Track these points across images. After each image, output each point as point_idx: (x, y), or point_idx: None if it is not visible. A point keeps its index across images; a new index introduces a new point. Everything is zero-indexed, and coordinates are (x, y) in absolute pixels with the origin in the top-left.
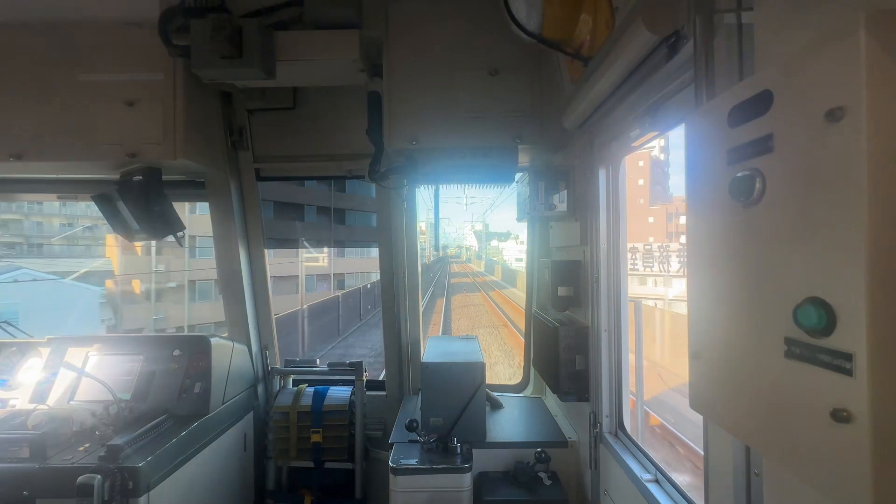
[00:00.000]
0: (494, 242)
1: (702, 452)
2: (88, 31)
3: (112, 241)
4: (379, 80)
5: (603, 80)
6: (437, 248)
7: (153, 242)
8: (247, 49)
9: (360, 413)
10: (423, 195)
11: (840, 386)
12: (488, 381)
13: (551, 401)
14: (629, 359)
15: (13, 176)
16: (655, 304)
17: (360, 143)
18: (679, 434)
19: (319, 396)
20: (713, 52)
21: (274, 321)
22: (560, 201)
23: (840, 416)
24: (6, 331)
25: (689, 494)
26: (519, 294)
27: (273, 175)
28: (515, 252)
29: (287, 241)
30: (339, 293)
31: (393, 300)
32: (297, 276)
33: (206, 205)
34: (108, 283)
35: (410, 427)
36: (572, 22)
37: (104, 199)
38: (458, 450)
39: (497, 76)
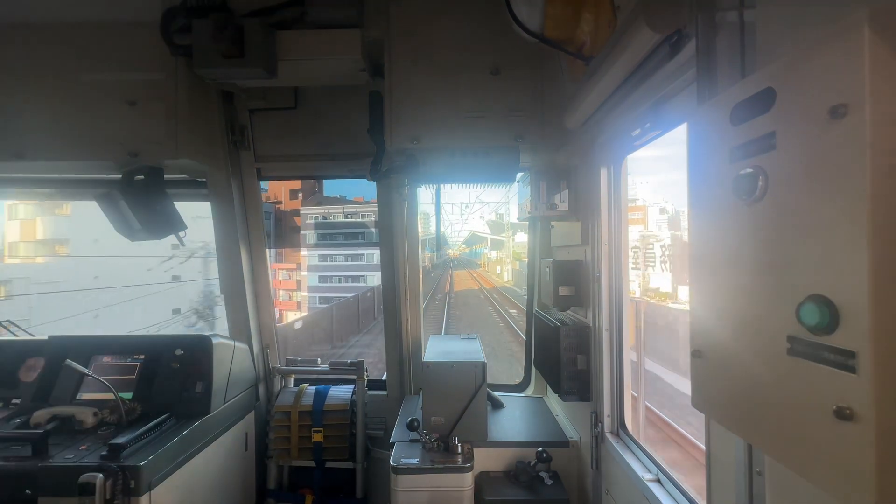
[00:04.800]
0: (521, 237)
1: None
2: (90, 31)
3: None
4: (380, 80)
5: (605, 79)
6: (437, 247)
7: None
8: (248, 49)
9: (361, 412)
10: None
11: (843, 384)
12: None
13: (552, 400)
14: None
15: (15, 175)
16: None
17: (362, 143)
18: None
19: (320, 396)
20: (715, 51)
21: (275, 320)
22: (561, 201)
23: (843, 413)
24: (9, 330)
25: (691, 494)
26: None
27: (275, 175)
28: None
29: None
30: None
31: (394, 300)
32: None
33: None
34: None
35: (411, 426)
36: (574, 21)
37: (106, 198)
38: (460, 449)
39: (498, 75)
